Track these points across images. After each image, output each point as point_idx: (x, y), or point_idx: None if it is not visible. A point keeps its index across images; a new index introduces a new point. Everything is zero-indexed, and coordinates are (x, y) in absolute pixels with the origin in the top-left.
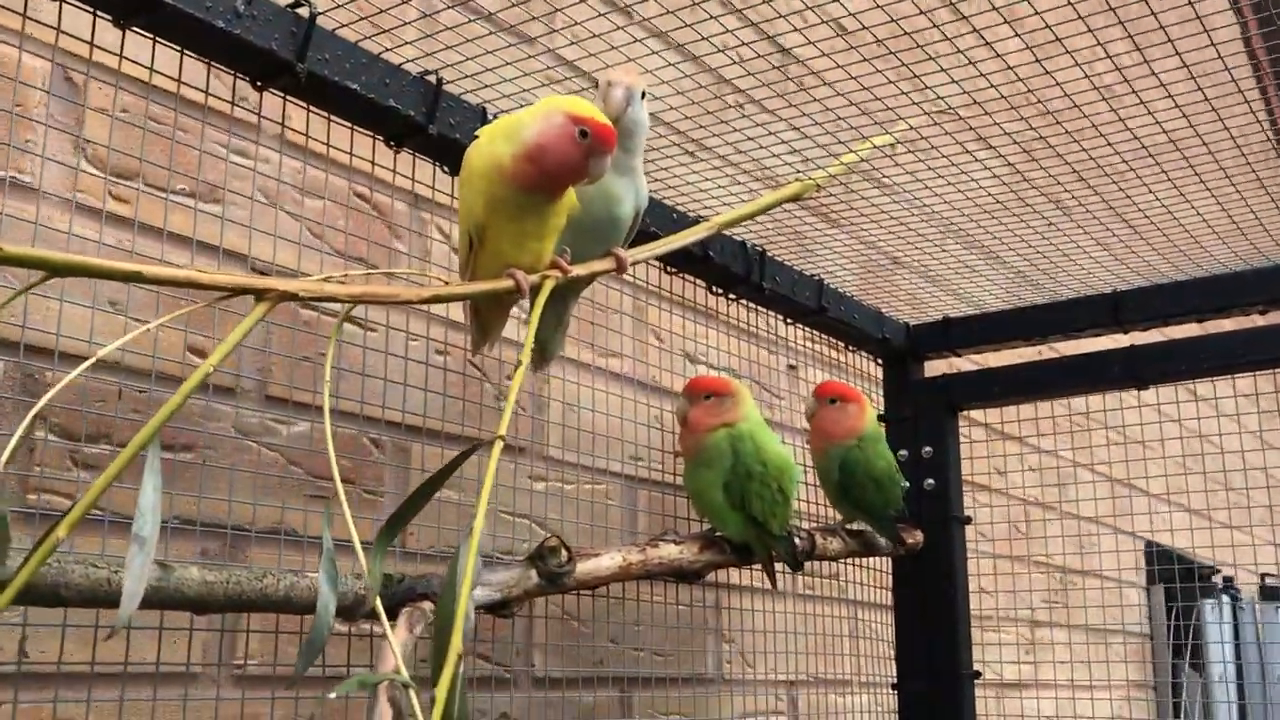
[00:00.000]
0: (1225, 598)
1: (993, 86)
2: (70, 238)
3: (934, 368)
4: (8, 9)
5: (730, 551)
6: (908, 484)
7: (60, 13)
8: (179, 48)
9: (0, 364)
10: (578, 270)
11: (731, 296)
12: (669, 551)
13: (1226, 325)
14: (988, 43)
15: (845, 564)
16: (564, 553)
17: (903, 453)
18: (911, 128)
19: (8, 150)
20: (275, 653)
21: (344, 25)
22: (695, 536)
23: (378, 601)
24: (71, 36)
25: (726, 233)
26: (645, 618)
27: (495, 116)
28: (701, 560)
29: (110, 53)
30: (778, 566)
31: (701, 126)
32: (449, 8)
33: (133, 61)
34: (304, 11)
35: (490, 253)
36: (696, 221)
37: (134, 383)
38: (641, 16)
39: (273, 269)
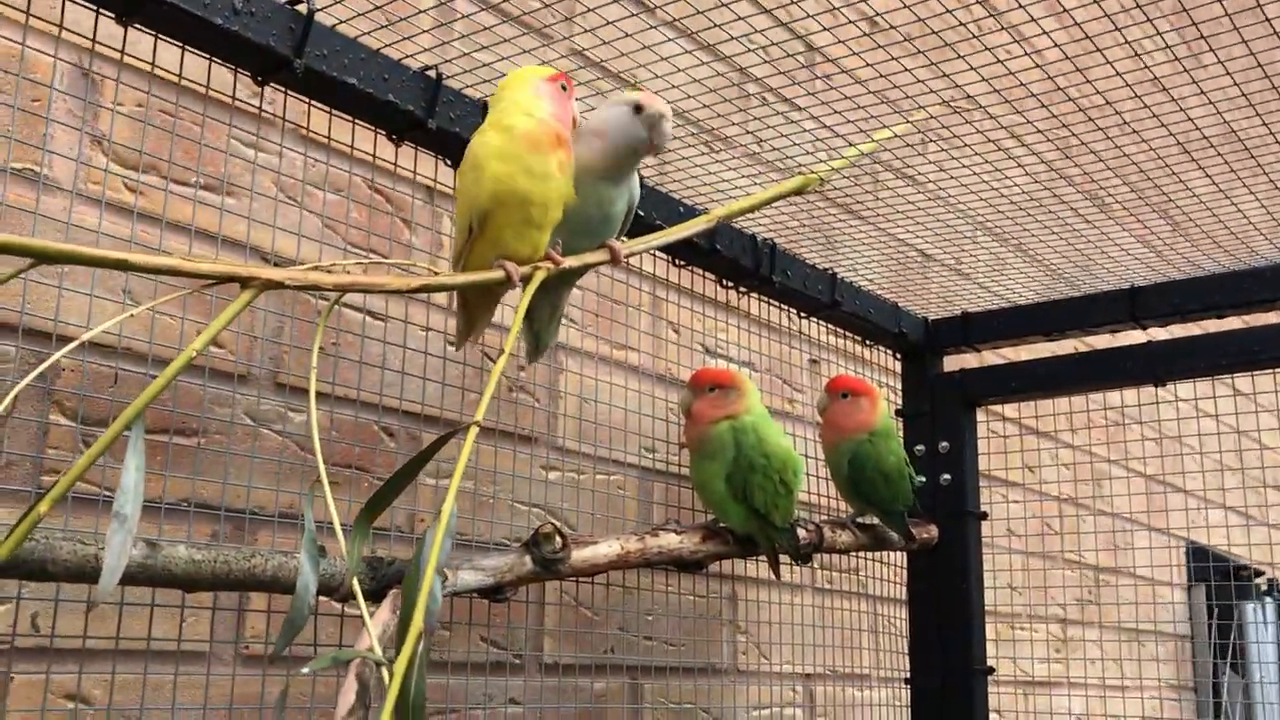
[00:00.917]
0: (1269, 599)
1: (1027, 82)
2: (100, 236)
3: (963, 361)
4: (37, 16)
5: (734, 543)
6: (922, 479)
7: (94, 20)
8: (180, 44)
9: (14, 349)
10: (569, 261)
11: (741, 290)
12: (669, 541)
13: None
14: (1017, 40)
15: (864, 558)
16: (558, 539)
17: (919, 447)
18: (934, 118)
19: (28, 149)
20: (267, 633)
21: (343, 21)
22: (698, 527)
23: (355, 582)
24: (97, 42)
25: (737, 226)
26: (658, 608)
27: None
28: (703, 551)
29: (139, 59)
30: (783, 559)
31: (720, 115)
32: (444, 3)
33: (159, 67)
34: (303, 8)
35: (489, 240)
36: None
37: (147, 370)
38: (654, 4)
39: (296, 264)
